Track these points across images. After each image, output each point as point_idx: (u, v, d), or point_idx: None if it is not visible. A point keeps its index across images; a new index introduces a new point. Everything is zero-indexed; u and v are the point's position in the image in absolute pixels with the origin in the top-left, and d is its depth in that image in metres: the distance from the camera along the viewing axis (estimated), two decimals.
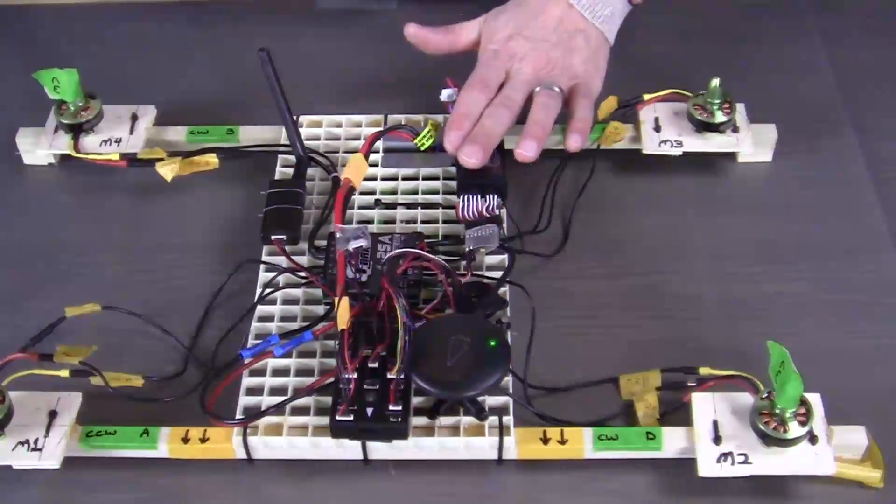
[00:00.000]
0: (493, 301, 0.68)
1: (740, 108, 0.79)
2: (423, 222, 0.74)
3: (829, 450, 0.61)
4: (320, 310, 0.69)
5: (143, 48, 0.92)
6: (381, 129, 0.76)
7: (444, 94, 0.78)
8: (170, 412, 0.65)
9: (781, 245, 0.75)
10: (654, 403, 0.65)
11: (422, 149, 0.75)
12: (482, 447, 0.63)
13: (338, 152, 0.79)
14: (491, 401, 0.64)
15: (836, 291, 0.72)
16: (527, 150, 0.72)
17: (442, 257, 0.68)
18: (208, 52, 0.91)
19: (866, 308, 0.71)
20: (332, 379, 0.63)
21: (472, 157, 0.71)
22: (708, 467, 0.61)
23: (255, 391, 0.65)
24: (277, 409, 0.63)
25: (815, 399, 0.62)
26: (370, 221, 0.74)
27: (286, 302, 0.70)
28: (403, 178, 0.77)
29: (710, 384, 0.65)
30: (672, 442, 0.63)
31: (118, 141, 0.79)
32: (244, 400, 0.65)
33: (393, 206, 0.75)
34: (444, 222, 0.74)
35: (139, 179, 0.80)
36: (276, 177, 0.77)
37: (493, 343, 0.62)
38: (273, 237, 0.72)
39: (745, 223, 0.76)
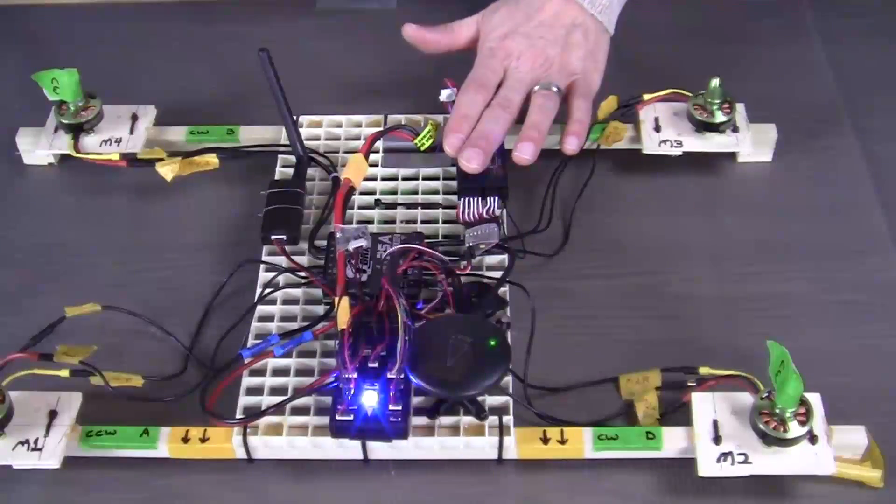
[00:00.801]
0: (493, 301, 0.68)
1: (740, 108, 0.79)
2: (423, 222, 0.74)
3: (829, 450, 0.61)
4: (320, 310, 0.69)
5: (143, 48, 0.92)
6: (381, 129, 0.76)
7: (444, 95, 0.78)
8: (170, 412, 0.65)
9: (781, 245, 0.75)
10: (654, 403, 0.65)
11: (422, 149, 0.75)
12: (482, 447, 0.63)
13: (338, 152, 0.79)
14: (491, 401, 0.64)
15: (836, 291, 0.72)
16: (524, 153, 0.72)
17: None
18: (208, 52, 0.91)
19: (866, 308, 0.71)
20: (332, 379, 0.63)
21: (472, 162, 0.71)
22: (708, 467, 0.61)
23: (255, 391, 0.65)
24: (277, 409, 0.63)
25: (815, 399, 0.62)
26: (370, 221, 0.74)
27: (286, 302, 0.70)
28: (403, 178, 0.77)
29: (710, 384, 0.65)
30: (672, 442, 0.63)
31: (118, 141, 0.79)
32: (244, 400, 0.65)
33: (393, 206, 0.75)
34: (444, 222, 0.74)
35: (139, 179, 0.80)
36: (276, 177, 0.77)
37: (493, 343, 0.62)
38: (273, 237, 0.72)
39: (745, 223, 0.76)
